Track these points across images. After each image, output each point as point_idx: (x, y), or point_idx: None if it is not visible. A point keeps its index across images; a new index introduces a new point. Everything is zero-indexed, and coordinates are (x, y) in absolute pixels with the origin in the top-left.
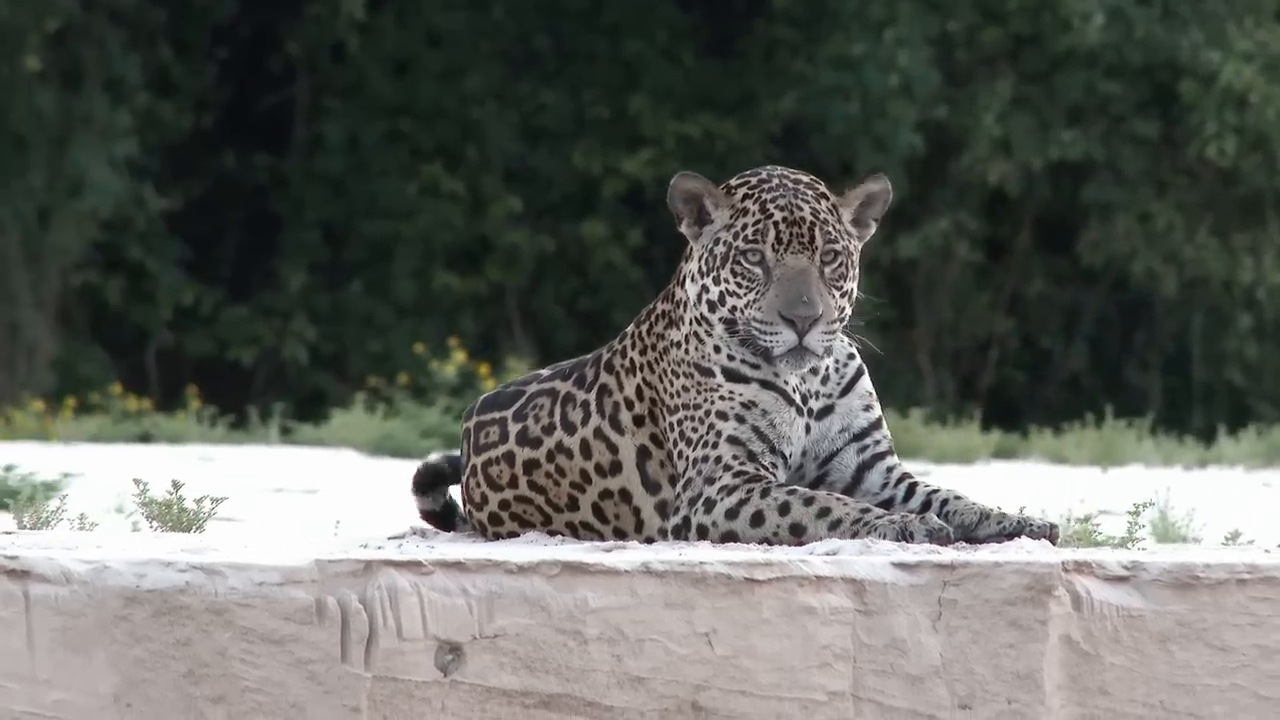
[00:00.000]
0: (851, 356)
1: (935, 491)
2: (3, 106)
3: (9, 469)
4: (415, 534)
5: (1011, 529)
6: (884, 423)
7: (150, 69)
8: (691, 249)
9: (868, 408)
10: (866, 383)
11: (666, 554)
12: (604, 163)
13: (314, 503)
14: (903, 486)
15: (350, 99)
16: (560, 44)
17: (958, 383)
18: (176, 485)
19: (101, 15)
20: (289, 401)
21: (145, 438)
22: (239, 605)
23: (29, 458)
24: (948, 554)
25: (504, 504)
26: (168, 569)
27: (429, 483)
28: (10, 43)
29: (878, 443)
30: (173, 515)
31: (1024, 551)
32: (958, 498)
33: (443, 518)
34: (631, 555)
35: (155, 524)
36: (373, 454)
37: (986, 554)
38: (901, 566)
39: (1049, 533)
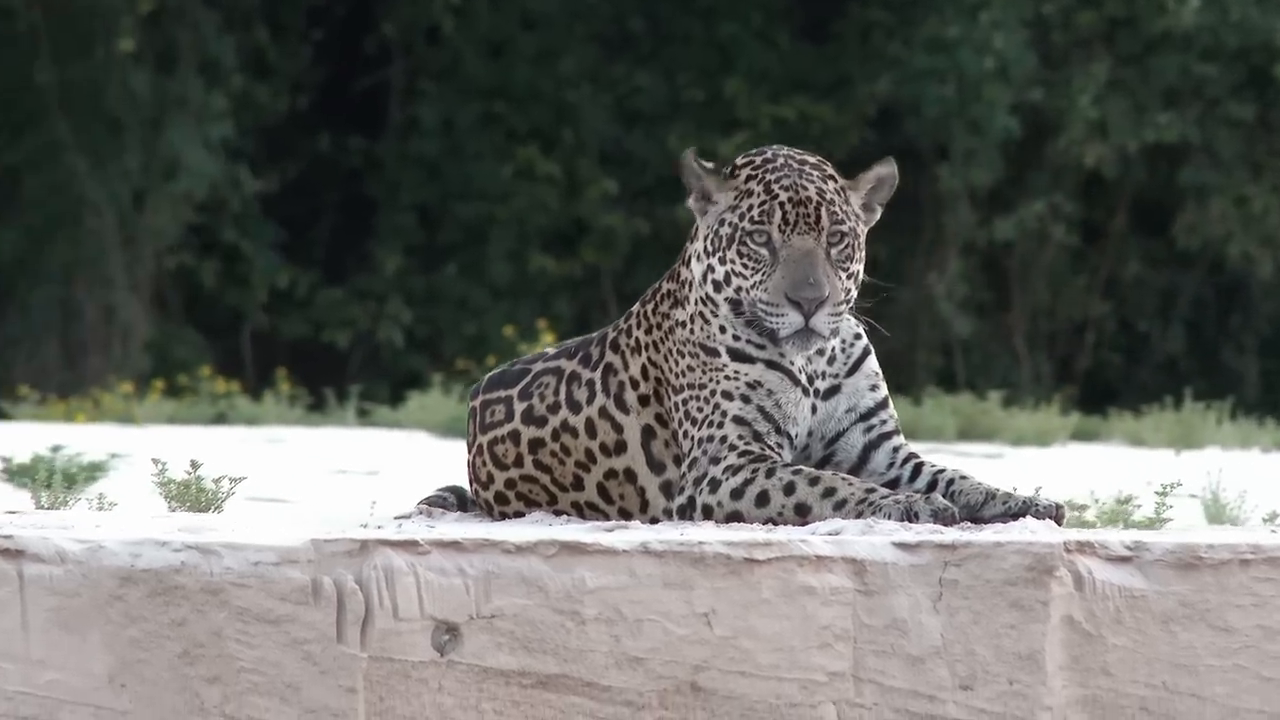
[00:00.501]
0: (858, 337)
1: (941, 471)
2: (98, 88)
3: (56, 449)
4: (422, 514)
5: (1017, 509)
6: (890, 403)
7: (245, 51)
8: (696, 228)
9: (874, 388)
10: (873, 363)
11: (665, 534)
12: (699, 145)
13: (372, 484)
14: (909, 466)
15: (445, 81)
16: (655, 26)
17: (1054, 365)
18: (195, 465)
19: None
20: (384, 384)
21: (221, 419)
22: (234, 585)
23: (95, 439)
24: (949, 534)
25: (510, 483)
26: (163, 549)
27: (439, 503)
28: (105, 24)
29: (884, 422)
30: (191, 495)
31: (1027, 531)
32: (963, 478)
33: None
34: (630, 535)
35: (175, 504)
36: (444, 435)
37: (988, 534)
38: (902, 546)
39: (1054, 513)
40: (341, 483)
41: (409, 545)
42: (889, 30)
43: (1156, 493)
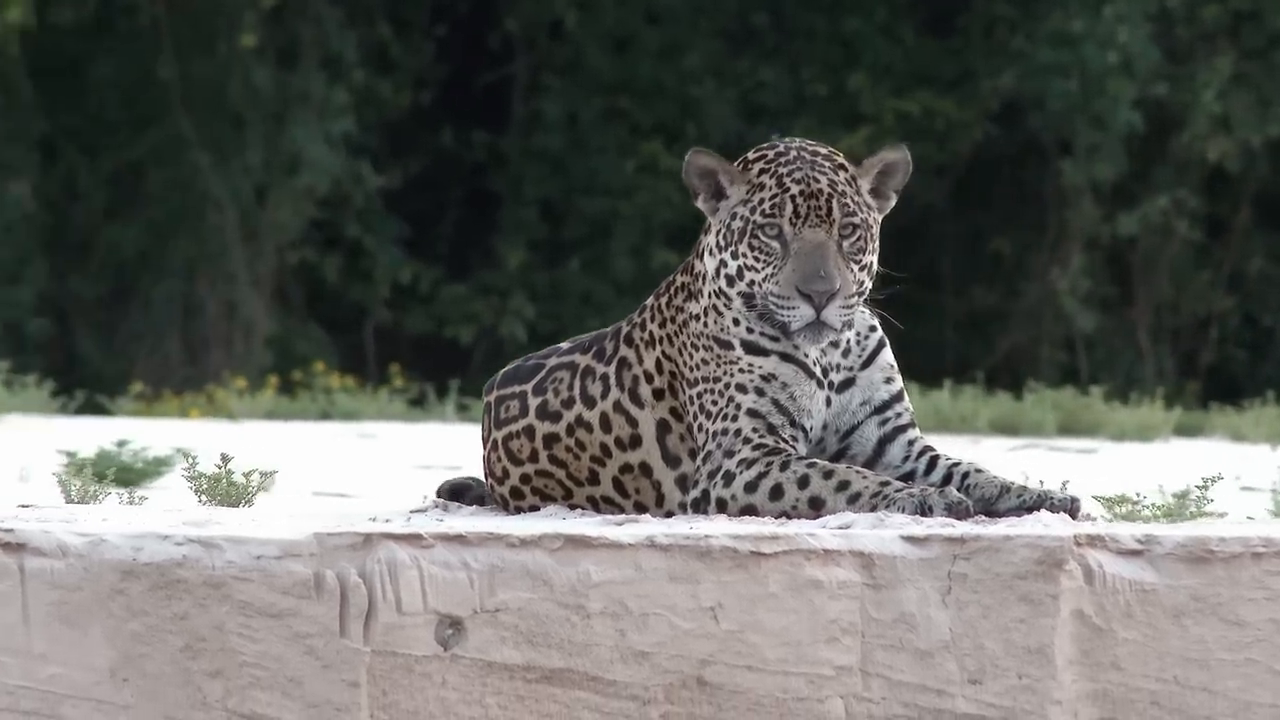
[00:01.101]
0: (873, 329)
1: (956, 465)
2: (220, 84)
3: (121, 444)
4: (437, 507)
5: (1032, 503)
6: (905, 395)
7: (368, 46)
8: (710, 223)
9: (889, 380)
10: (888, 355)
11: (672, 527)
12: (823, 140)
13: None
14: (924, 460)
15: (569, 76)
16: (779, 21)
17: (1177, 361)
18: (225, 459)
19: None
20: None
21: (325, 415)
22: (236, 579)
23: (180, 435)
24: (959, 528)
25: (525, 478)
26: (165, 542)
27: (453, 495)
28: (227, 20)
29: (899, 415)
30: (221, 490)
31: (1038, 525)
32: (979, 471)
33: (461, 492)
34: (636, 529)
35: (204, 499)
36: None
37: (998, 527)
38: (911, 540)
39: (1070, 506)
40: (421, 477)
41: (413, 539)
42: (1013, 24)
43: (1198, 487)
